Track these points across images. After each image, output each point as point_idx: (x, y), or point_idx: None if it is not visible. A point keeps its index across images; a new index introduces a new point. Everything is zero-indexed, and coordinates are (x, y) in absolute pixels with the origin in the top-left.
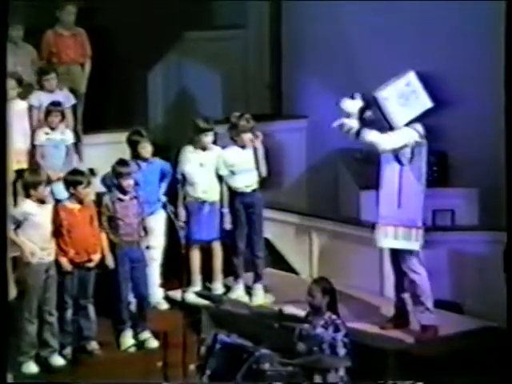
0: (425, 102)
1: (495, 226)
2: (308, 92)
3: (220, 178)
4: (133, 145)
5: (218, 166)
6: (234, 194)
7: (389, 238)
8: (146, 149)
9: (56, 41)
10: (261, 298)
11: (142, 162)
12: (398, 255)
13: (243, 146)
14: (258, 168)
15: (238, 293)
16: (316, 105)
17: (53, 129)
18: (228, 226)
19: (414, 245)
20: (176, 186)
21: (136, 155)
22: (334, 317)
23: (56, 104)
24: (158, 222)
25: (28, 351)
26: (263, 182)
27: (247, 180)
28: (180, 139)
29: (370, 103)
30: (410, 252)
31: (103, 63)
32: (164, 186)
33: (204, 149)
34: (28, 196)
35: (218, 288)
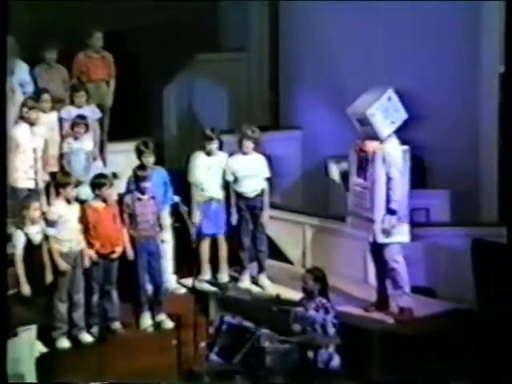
0: (402, 114)
1: (464, 222)
2: (302, 107)
3: (225, 182)
4: (138, 153)
5: (225, 173)
6: (239, 196)
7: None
8: (148, 159)
9: (86, 62)
10: (268, 286)
11: (149, 170)
12: (381, 247)
13: (246, 153)
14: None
15: (245, 282)
16: (309, 118)
17: (77, 139)
18: (234, 221)
19: (404, 237)
20: (187, 189)
21: (141, 164)
22: (324, 301)
23: (81, 117)
24: (165, 219)
25: (60, 327)
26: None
27: (251, 185)
28: (191, 147)
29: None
30: (394, 244)
31: (126, 82)
32: (170, 190)
33: (210, 154)
34: (58, 194)
35: (224, 277)
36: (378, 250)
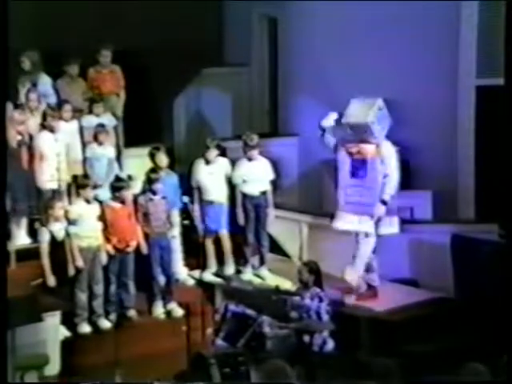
0: (389, 121)
1: (444, 220)
2: (299, 115)
3: (229, 184)
4: (151, 157)
5: (233, 176)
6: (245, 196)
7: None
8: (162, 160)
9: (97, 77)
10: (270, 278)
11: (161, 173)
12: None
13: (251, 159)
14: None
15: (247, 274)
16: (305, 126)
17: (100, 144)
18: (241, 222)
19: (395, 229)
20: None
21: (154, 167)
22: (318, 290)
23: (101, 125)
24: (175, 217)
25: (81, 313)
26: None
27: (256, 186)
28: (198, 152)
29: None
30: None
31: (141, 94)
32: (179, 192)
33: (210, 161)
34: (78, 195)
35: (229, 270)
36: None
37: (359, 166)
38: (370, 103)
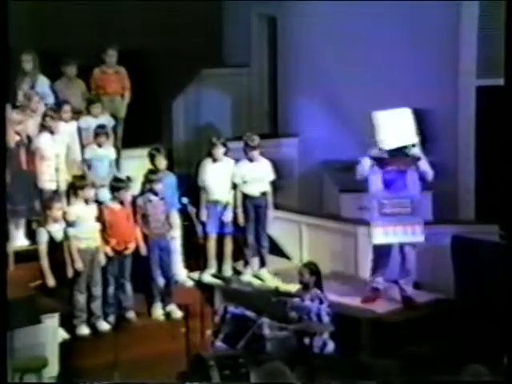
0: None
1: (445, 221)
2: (298, 116)
3: (233, 185)
4: (151, 158)
5: (233, 176)
6: (246, 197)
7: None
8: (161, 162)
9: (101, 77)
10: (270, 280)
11: (160, 174)
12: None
13: (252, 160)
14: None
15: (248, 276)
16: (305, 126)
17: (100, 146)
18: (241, 222)
19: None
20: (195, 191)
21: (153, 168)
22: (318, 292)
23: (102, 127)
24: (174, 218)
25: (80, 315)
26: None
27: (257, 187)
28: (198, 153)
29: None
30: None
31: (141, 94)
32: (179, 193)
33: (217, 160)
34: (77, 196)
35: (227, 271)
36: (389, 248)
37: (395, 178)
38: (404, 119)
